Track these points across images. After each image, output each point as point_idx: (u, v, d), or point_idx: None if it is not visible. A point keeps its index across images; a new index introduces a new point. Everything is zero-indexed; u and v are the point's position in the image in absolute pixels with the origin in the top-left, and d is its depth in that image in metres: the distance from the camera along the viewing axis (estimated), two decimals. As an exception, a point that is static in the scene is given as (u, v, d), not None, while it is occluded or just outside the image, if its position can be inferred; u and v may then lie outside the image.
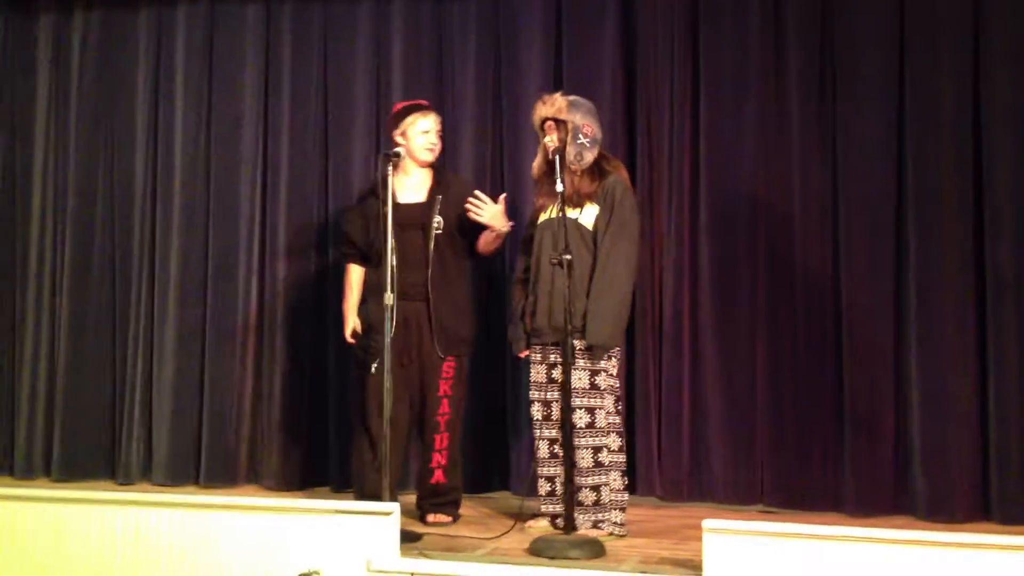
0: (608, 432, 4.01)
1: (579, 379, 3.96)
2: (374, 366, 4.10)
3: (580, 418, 3.95)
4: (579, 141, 4.06)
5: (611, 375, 4.05)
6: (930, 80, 4.66)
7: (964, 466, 4.49)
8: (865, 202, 4.72)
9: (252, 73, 5.53)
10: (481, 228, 4.34)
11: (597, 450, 3.97)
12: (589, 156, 4.09)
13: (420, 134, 4.44)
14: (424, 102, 4.57)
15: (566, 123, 4.08)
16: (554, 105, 4.11)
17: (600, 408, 3.98)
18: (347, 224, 4.61)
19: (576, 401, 3.94)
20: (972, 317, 4.55)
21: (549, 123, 4.12)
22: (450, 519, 4.43)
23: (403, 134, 4.45)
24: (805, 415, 4.73)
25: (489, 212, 4.26)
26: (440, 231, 4.38)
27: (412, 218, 4.33)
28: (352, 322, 4.48)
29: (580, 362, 3.98)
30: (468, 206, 4.26)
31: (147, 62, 5.66)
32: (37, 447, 5.60)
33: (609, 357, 4.03)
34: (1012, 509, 4.39)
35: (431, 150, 4.46)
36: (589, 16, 5.14)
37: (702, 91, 4.99)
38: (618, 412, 4.10)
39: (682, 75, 5.01)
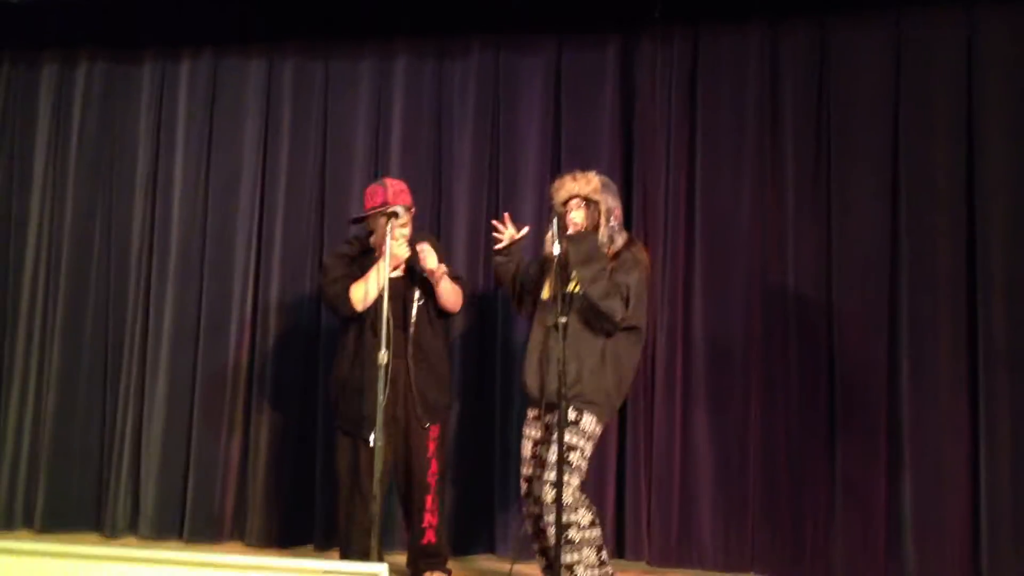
0: (576, 508, 3.83)
1: (553, 453, 3.81)
2: (372, 437, 3.88)
3: (547, 494, 3.81)
4: (611, 224, 4.01)
5: (584, 455, 3.89)
6: (924, 148, 4.75)
7: (955, 536, 4.50)
8: (859, 269, 4.77)
9: (252, 128, 5.57)
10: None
11: (566, 527, 3.78)
12: (620, 240, 4.03)
13: (385, 235, 4.21)
14: (381, 198, 4.37)
15: (598, 203, 4.00)
16: (590, 184, 4.01)
17: (567, 485, 3.79)
18: (333, 269, 4.48)
19: (546, 475, 3.83)
20: (964, 386, 4.59)
21: (577, 200, 4.02)
22: None
23: (373, 228, 4.42)
24: (797, 483, 4.73)
25: (428, 256, 4.29)
26: (422, 302, 4.40)
27: (395, 291, 4.26)
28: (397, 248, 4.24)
29: (556, 435, 3.82)
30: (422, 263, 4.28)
31: (149, 114, 5.69)
32: (19, 497, 5.52)
33: (588, 439, 3.89)
34: (1003, 580, 4.39)
35: (392, 242, 4.24)
36: (588, 79, 5.22)
37: (698, 155, 5.05)
38: (582, 490, 3.90)
39: (679, 142, 5.08)
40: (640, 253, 4.07)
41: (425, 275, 4.34)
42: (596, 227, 4.00)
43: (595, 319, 3.92)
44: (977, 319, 4.58)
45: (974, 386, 4.56)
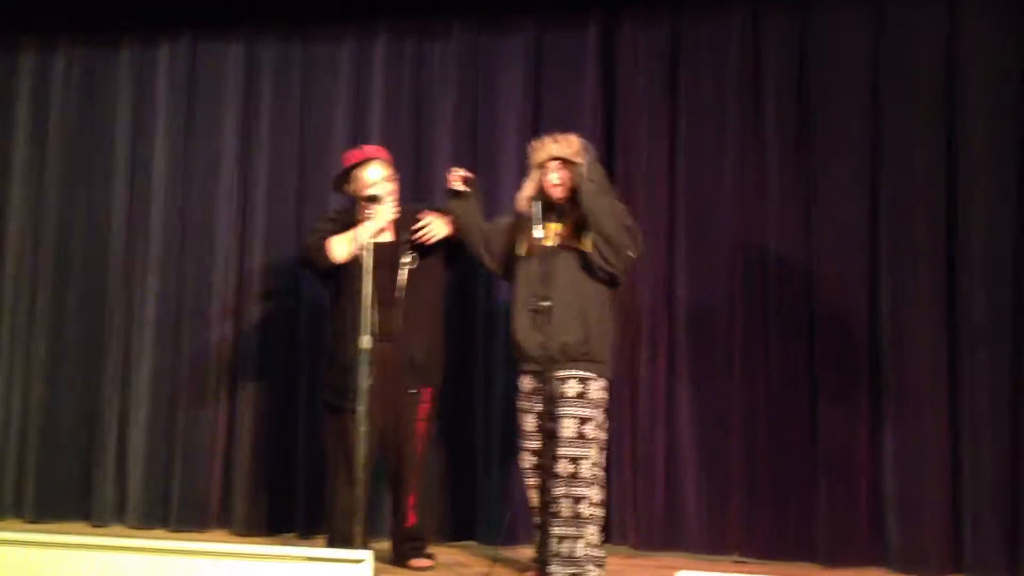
0: (591, 484, 3.89)
1: (566, 427, 3.88)
2: (360, 408, 3.84)
3: (564, 468, 3.85)
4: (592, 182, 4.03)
5: (599, 425, 3.95)
6: (905, 128, 4.72)
7: (938, 518, 4.51)
8: (840, 250, 4.76)
9: (232, 111, 5.53)
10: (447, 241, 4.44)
11: (577, 501, 3.85)
12: None
13: (368, 187, 4.37)
14: (360, 155, 4.49)
15: (578, 165, 4.02)
16: (571, 146, 4.05)
17: (585, 459, 3.87)
18: (320, 225, 4.54)
19: (561, 450, 3.87)
20: (945, 368, 4.58)
21: (557, 162, 4.06)
22: (431, 563, 4.42)
23: (355, 190, 4.45)
24: (780, 465, 4.73)
25: (437, 227, 4.36)
26: (414, 266, 4.40)
27: (383, 258, 4.26)
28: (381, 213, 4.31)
29: (570, 409, 3.90)
30: (420, 235, 4.34)
31: (128, 99, 5.64)
32: (8, 487, 5.51)
33: (596, 407, 3.95)
34: (985, 562, 4.41)
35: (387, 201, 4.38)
36: (568, 61, 5.19)
37: (680, 136, 5.03)
38: (600, 465, 3.99)
39: (660, 123, 5.05)
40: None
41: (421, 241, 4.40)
42: (575, 188, 4.01)
43: (605, 255, 3.94)
44: (958, 301, 4.57)
45: (954, 364, 4.56)
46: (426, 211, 4.48)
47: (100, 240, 5.59)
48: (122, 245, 5.55)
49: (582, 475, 3.86)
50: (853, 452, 4.64)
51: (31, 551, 3.55)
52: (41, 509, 5.43)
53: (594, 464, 3.91)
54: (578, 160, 4.03)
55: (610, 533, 4.80)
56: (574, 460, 3.86)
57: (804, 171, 4.86)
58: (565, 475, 3.85)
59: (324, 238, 4.36)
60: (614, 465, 4.86)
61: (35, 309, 5.61)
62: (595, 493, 3.92)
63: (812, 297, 4.78)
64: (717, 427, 4.82)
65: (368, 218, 4.25)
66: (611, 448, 4.83)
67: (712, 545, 4.77)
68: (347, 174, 4.47)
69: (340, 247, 4.33)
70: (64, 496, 5.46)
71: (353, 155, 4.52)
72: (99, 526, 5.31)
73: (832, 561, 4.57)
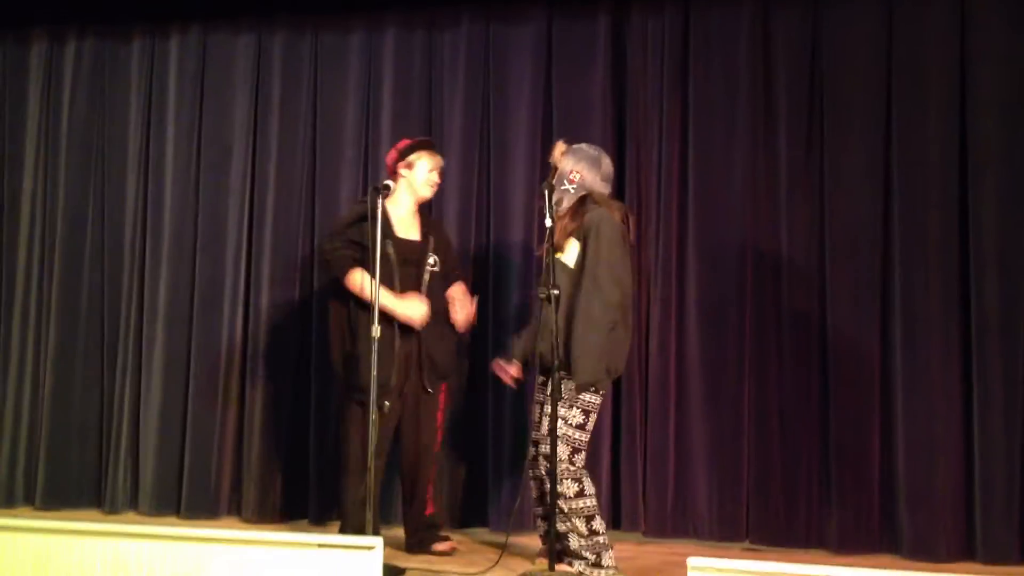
0: (561, 480, 3.83)
1: (545, 421, 3.87)
2: (387, 404, 3.97)
3: (541, 464, 3.88)
4: (563, 187, 4.03)
5: (572, 424, 3.89)
6: (917, 121, 4.72)
7: (949, 505, 4.51)
8: (851, 242, 4.76)
9: (242, 103, 5.55)
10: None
11: (557, 496, 3.79)
12: (566, 203, 4.03)
13: (427, 171, 4.51)
14: (431, 140, 4.68)
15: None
16: (554, 152, 4.12)
17: (556, 455, 3.80)
18: (341, 231, 4.48)
19: (541, 445, 3.88)
20: (957, 357, 4.58)
21: (554, 168, 4.12)
22: (454, 545, 4.46)
23: (408, 166, 4.49)
24: (791, 453, 4.74)
25: (466, 315, 4.50)
26: (436, 268, 4.48)
27: (410, 254, 4.40)
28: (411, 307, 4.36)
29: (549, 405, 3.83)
30: (458, 320, 4.48)
31: (139, 91, 5.67)
32: (19, 474, 5.55)
33: (571, 406, 3.89)
34: (996, 549, 4.41)
35: (433, 187, 4.57)
36: (579, 53, 5.19)
37: (691, 131, 5.03)
38: (571, 461, 3.89)
39: (671, 114, 5.05)
40: (597, 210, 3.99)
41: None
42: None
43: None
44: (969, 290, 4.57)
45: (967, 357, 4.56)
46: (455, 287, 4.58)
47: (112, 230, 5.63)
48: (133, 235, 5.59)
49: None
50: (864, 440, 4.64)
51: (43, 538, 3.56)
52: (53, 497, 5.48)
53: (561, 460, 3.85)
54: (554, 163, 4.08)
55: (621, 520, 4.84)
56: (546, 456, 3.85)
57: (816, 165, 4.86)
58: (543, 472, 3.86)
59: (348, 257, 4.35)
60: (625, 453, 4.89)
61: (47, 299, 5.65)
62: (567, 487, 3.86)
63: (824, 289, 4.78)
64: (728, 414, 4.82)
65: (389, 196, 4.22)
66: (623, 435, 4.89)
67: (723, 532, 4.78)
68: (412, 150, 4.53)
69: (359, 282, 4.31)
70: (76, 484, 5.51)
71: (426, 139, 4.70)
72: (111, 513, 5.36)
73: (843, 548, 4.58)
